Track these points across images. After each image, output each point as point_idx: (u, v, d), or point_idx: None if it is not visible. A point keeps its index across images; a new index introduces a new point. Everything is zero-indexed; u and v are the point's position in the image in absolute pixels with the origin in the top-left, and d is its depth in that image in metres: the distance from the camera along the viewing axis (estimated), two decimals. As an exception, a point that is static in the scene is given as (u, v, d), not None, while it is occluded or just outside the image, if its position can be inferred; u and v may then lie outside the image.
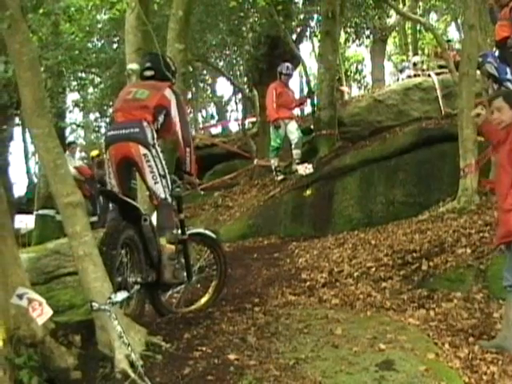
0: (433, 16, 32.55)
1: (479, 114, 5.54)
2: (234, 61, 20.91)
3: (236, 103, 35.06)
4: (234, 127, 28.95)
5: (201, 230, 6.60)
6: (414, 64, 20.12)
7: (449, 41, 21.13)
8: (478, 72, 10.14)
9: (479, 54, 9.73)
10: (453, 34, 33.72)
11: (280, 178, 12.87)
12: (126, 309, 5.30)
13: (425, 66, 21.49)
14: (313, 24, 19.53)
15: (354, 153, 11.49)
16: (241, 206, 12.97)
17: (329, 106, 13.12)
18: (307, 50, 67.39)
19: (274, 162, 12.97)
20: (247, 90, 19.30)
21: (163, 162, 5.63)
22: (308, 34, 20.51)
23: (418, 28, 29.01)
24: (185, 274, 5.99)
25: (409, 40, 31.42)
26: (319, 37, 16.43)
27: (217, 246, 6.56)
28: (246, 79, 19.97)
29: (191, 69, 20.47)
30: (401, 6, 23.84)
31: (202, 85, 29.37)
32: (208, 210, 13.55)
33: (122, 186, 5.68)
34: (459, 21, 26.56)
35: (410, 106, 14.09)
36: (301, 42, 19.50)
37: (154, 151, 5.53)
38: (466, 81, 9.41)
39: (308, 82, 16.19)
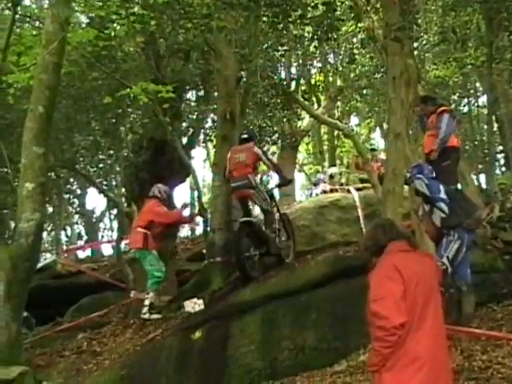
0: (354, 120, 33.97)
1: None
2: (109, 168, 21.04)
3: (110, 220, 35.07)
4: (106, 250, 28.82)
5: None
6: (331, 176, 20.86)
7: (372, 149, 21.88)
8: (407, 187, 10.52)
9: (412, 166, 9.99)
10: (378, 140, 35.18)
11: (155, 317, 12.84)
12: (253, 271, 11.90)
13: (343, 180, 22.23)
14: (207, 126, 20.11)
15: (255, 286, 11.57)
16: (112, 351, 12.70)
17: (225, 227, 13.28)
18: (200, 158, 68.75)
19: (151, 296, 12.93)
20: (125, 205, 19.34)
21: (264, 192, 12.52)
22: (201, 137, 21.00)
23: (335, 133, 30.16)
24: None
25: (325, 147, 32.55)
26: (215, 142, 16.81)
27: (289, 223, 13.35)
28: (123, 191, 20.08)
29: (54, 176, 20.52)
30: (315, 106, 25.00)
31: (67, 196, 29.30)
32: (69, 357, 13.15)
33: (245, 209, 12.32)
34: (385, 126, 27.77)
35: (326, 227, 14.31)
36: (192, 147, 19.86)
37: (257, 189, 12.23)
38: (390, 200, 9.76)
39: (200, 197, 16.43)
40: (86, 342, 13.74)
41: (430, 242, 9.80)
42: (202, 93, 18.97)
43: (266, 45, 16.66)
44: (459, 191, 10.97)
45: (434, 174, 9.81)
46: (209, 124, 20.13)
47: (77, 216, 35.79)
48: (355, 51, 20.14)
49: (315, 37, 14.92)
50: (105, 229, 36.93)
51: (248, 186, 12.15)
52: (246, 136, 12.94)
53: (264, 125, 20.39)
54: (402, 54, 10.60)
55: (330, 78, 26.77)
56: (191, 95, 19.72)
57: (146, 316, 12.82)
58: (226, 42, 14.05)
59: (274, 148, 25.03)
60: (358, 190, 16.53)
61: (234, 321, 10.87)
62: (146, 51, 15.41)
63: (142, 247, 13.03)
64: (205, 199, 17.05)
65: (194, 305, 12.11)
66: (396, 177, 9.89)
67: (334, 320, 10.18)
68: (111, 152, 19.48)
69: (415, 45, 16.08)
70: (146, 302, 12.91)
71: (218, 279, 12.93)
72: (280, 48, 17.42)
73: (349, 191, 16.67)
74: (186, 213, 14.42)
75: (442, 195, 9.37)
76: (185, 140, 18.18)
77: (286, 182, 13.56)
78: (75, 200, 33.11)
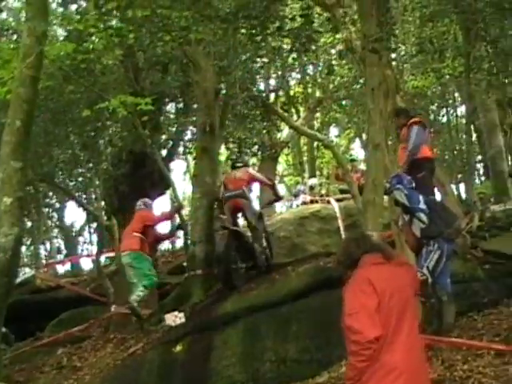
0: (333, 131, 33.98)
1: None
2: (89, 181, 20.95)
3: (90, 234, 34.88)
4: (86, 264, 28.68)
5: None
6: (311, 187, 20.83)
7: (352, 160, 21.84)
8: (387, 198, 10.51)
9: (391, 176, 9.97)
10: (357, 151, 35.22)
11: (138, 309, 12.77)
12: (236, 281, 12.17)
13: (323, 191, 22.25)
14: (187, 138, 20.06)
15: (236, 298, 11.57)
16: (92, 366, 12.61)
17: (205, 240, 13.29)
18: (180, 170, 68.40)
19: (145, 294, 12.76)
20: (104, 218, 19.24)
21: (254, 206, 13.69)
22: (181, 150, 20.95)
23: (315, 144, 30.19)
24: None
25: (304, 158, 32.57)
26: (194, 154, 16.77)
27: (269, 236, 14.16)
28: (103, 204, 20.00)
29: (33, 190, 20.37)
30: (294, 117, 25.00)
31: (46, 210, 29.13)
32: (49, 372, 13.05)
33: (234, 222, 13.15)
34: (364, 137, 27.78)
35: (306, 238, 14.36)
36: (172, 159, 19.83)
37: (249, 201, 13.23)
38: (371, 211, 9.76)
39: (179, 209, 16.39)
40: (66, 357, 13.62)
41: (410, 252, 9.80)
42: (181, 105, 18.93)
43: (244, 57, 16.61)
44: (438, 201, 11.00)
45: (414, 185, 9.81)
46: (188, 136, 20.03)
47: (56, 230, 35.57)
48: (333, 62, 20.17)
49: (293, 48, 14.94)
50: (84, 242, 36.65)
51: (242, 196, 12.96)
52: (240, 164, 13.83)
53: (244, 136, 20.33)
54: (380, 65, 10.63)
55: (309, 90, 26.75)
56: (170, 107, 19.69)
57: (135, 304, 12.59)
58: (204, 54, 14.08)
59: (254, 160, 24.97)
60: (338, 200, 16.57)
61: (216, 333, 10.85)
62: (125, 64, 15.42)
63: (137, 249, 12.91)
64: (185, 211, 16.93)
65: (175, 318, 12.06)
66: (376, 187, 9.89)
67: (315, 331, 10.16)
68: (90, 165, 19.33)
69: (393, 56, 16.10)
70: (140, 294, 12.69)
71: (199, 292, 12.89)
72: (259, 60, 17.39)
73: (329, 202, 16.69)
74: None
75: (422, 205, 9.30)
76: (164, 152, 18.14)
77: (280, 198, 15.32)
78: (54, 214, 32.92)
